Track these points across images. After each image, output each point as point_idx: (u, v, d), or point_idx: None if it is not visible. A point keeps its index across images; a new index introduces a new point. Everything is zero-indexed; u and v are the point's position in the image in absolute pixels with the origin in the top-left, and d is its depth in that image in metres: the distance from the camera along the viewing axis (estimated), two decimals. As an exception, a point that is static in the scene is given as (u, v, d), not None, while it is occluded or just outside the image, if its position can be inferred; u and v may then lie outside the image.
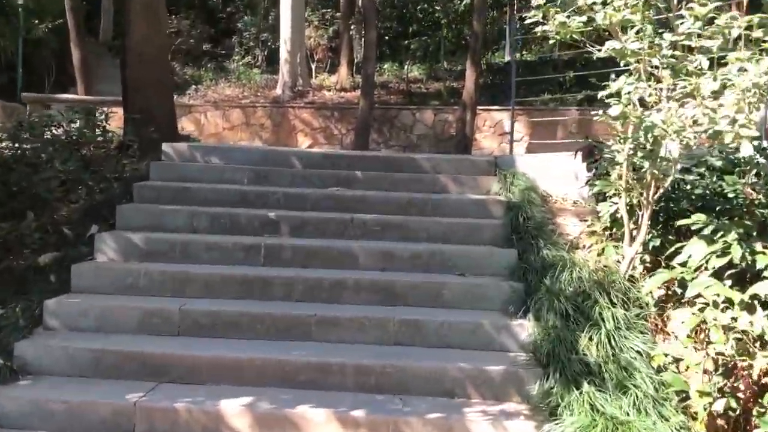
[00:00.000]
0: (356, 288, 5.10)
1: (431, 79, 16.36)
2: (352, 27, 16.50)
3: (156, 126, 7.46)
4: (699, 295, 4.03)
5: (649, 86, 4.09)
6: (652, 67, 4.20)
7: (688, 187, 4.90)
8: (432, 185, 6.50)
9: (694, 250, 4.09)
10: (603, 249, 5.33)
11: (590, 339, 4.37)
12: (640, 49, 3.95)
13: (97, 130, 7.49)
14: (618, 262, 5.09)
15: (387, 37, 17.56)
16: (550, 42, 17.96)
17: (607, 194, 5.23)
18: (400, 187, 6.48)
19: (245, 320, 4.79)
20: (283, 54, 15.19)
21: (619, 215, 5.06)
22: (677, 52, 4.05)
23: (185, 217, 5.84)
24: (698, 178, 4.95)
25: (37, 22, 15.70)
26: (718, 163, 4.76)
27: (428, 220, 5.88)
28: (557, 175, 6.49)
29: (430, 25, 16.73)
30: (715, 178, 4.85)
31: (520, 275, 5.19)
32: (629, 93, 4.09)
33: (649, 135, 4.01)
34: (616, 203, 5.07)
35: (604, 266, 5.02)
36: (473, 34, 12.66)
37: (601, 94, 4.41)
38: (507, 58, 17.85)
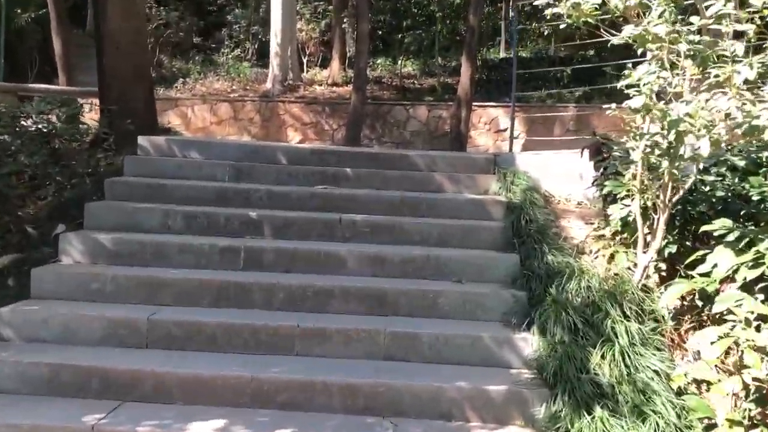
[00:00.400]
0: (344, 296, 4.62)
1: (425, 75, 15.87)
2: (344, 20, 15.99)
3: (134, 118, 6.95)
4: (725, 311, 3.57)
5: (675, 75, 3.62)
6: (673, 55, 3.74)
7: (707, 188, 4.45)
8: (427, 184, 6.02)
9: (721, 259, 3.64)
10: (612, 255, 4.88)
11: (602, 357, 3.91)
12: (665, 33, 3.48)
13: (73, 122, 6.97)
14: (630, 269, 4.63)
15: (380, 32, 17.05)
16: (546, 35, 17.54)
17: (617, 196, 4.77)
18: (393, 185, 6.00)
19: (221, 332, 4.31)
20: (274, 47, 14.66)
21: (631, 219, 4.61)
22: (705, 37, 3.59)
23: (160, 216, 5.34)
24: (718, 179, 4.50)
25: (19, 11, 15.11)
26: (741, 163, 4.31)
27: (423, 221, 5.41)
28: (560, 174, 6.03)
29: (424, 20, 16.20)
30: (737, 179, 4.39)
31: (522, 283, 4.72)
32: (649, 83, 3.62)
33: (673, 131, 3.54)
34: (628, 206, 4.61)
35: (615, 274, 4.56)
36: (469, 29, 12.18)
37: (620, 84, 3.94)
38: (502, 55, 17.41)
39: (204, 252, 4.96)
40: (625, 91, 3.92)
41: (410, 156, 6.29)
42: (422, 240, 5.28)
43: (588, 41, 14.97)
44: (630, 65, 4.05)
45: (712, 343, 3.27)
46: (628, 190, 4.63)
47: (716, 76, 3.32)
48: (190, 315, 4.42)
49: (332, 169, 6.07)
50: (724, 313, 3.47)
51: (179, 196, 5.63)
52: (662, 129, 3.71)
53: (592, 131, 5.84)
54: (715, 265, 3.73)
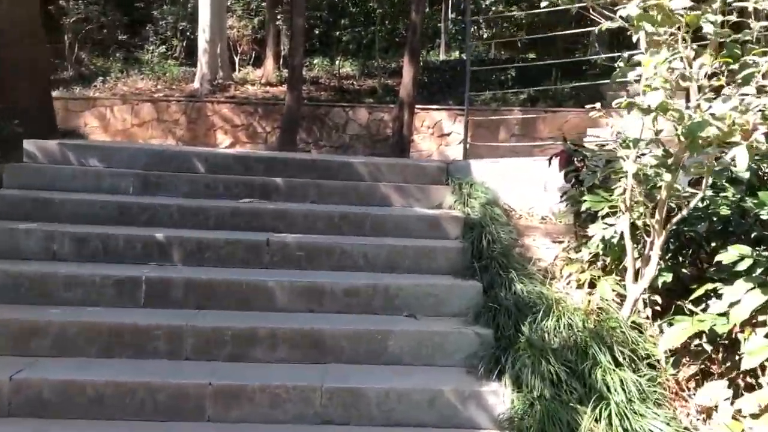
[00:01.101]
0: (271, 341, 3.65)
1: (364, 76, 14.98)
2: (279, 17, 14.94)
3: (24, 119, 5.79)
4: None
5: (691, 65, 2.82)
6: (685, 44, 2.94)
7: (705, 204, 3.69)
8: (371, 196, 5.11)
9: (743, 296, 2.86)
10: (591, 282, 4.08)
11: (596, 420, 3.08)
12: (682, 7, 2.67)
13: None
14: (615, 301, 3.84)
15: (317, 30, 16.06)
16: (485, 37, 16.93)
17: (599, 213, 3.97)
18: (332, 198, 5.07)
19: (110, 392, 3.29)
20: (202, 43, 13.48)
21: (615, 240, 3.81)
22: (732, 17, 2.83)
23: (42, 240, 4.24)
24: (715, 194, 3.75)
25: None
26: (745, 175, 3.58)
27: (368, 241, 4.49)
28: (520, 185, 5.23)
29: (362, 19, 15.29)
30: (739, 195, 3.66)
31: (488, 318, 3.86)
32: (661, 77, 2.79)
33: (689, 137, 2.74)
34: (612, 225, 3.81)
35: (599, 308, 3.76)
36: (411, 26, 11.35)
37: (633, 73, 3.10)
38: (442, 57, 16.70)
39: (95, 285, 3.91)
40: (638, 84, 3.10)
41: (352, 164, 5.37)
42: (367, 264, 4.37)
43: (534, 36, 14.42)
44: (623, 56, 3.24)
45: (752, 416, 2.47)
46: (612, 207, 3.84)
47: (754, 64, 2.55)
48: (71, 370, 3.38)
49: (260, 179, 5.09)
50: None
51: (69, 214, 4.54)
52: (676, 133, 2.91)
53: (562, 136, 5.04)
54: (732, 304, 2.96)
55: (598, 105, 3.50)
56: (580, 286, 4.21)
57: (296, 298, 3.98)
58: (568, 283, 4.33)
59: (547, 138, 11.49)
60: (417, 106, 11.49)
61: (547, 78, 12.74)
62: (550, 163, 4.56)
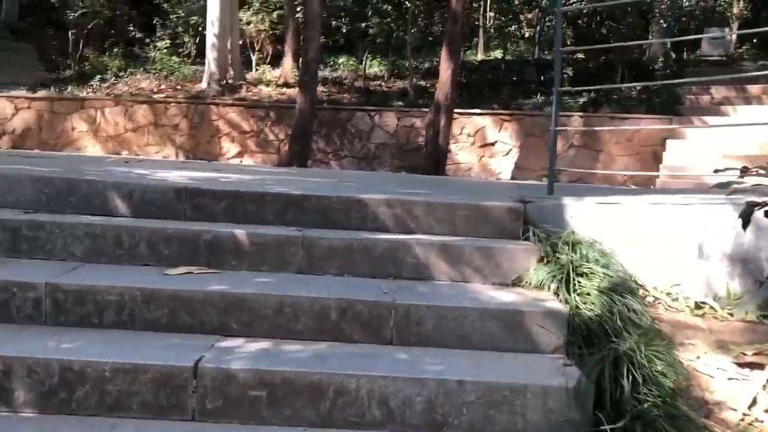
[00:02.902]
0: None
1: (394, 77, 12.74)
2: (298, 10, 12.77)
3: None
4: None
5: None
6: None
7: None
8: (395, 264, 2.85)
9: None
10: None
11: None
12: None
13: None
14: None
15: (343, 27, 13.87)
16: (526, 37, 14.53)
17: None
18: (329, 265, 2.83)
19: None
20: (210, 38, 11.39)
21: None
22: None
23: None
24: None
25: None
26: None
27: (390, 370, 2.25)
28: (652, 244, 2.95)
29: (392, 11, 12.98)
30: None
31: None
32: None
33: None
34: None
35: None
36: (450, 16, 9.08)
37: None
38: (480, 57, 14.40)
39: None
40: None
41: (364, 201, 3.10)
42: (389, 420, 2.14)
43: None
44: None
45: None
46: None
47: None
48: None
49: (211, 232, 2.87)
50: None
51: None
52: None
53: (743, 167, 2.67)
54: None
55: None
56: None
57: None
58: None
59: (618, 152, 9.13)
60: (456, 110, 9.25)
61: (610, 78, 10.36)
62: (746, 222, 2.26)
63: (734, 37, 14.13)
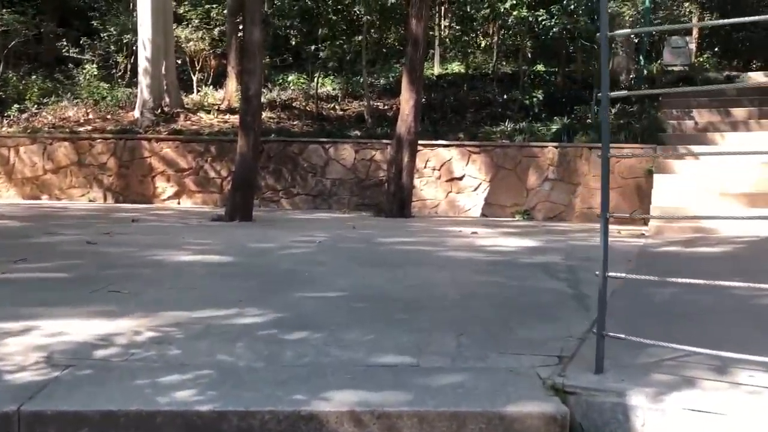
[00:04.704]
0: None
1: (349, 96, 11.46)
2: (241, 28, 11.34)
3: None
4: None
5: None
6: None
7: None
8: None
9: None
10: None
11: None
12: None
13: None
14: None
15: (292, 42, 12.47)
16: (484, 47, 13.40)
17: None
18: None
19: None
20: (142, 62, 9.92)
21: None
22: None
23: None
24: None
25: None
26: None
27: None
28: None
29: (345, 27, 11.64)
30: None
31: None
32: None
33: None
34: None
35: None
36: (411, 39, 7.89)
37: None
38: (437, 70, 13.22)
39: None
40: None
41: (321, 419, 1.89)
42: None
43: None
44: None
45: None
46: None
47: None
48: None
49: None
50: None
51: None
52: None
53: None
54: None
55: None
56: None
57: None
58: None
59: (598, 186, 8.09)
60: (420, 141, 8.08)
61: (583, 101, 9.32)
62: None
63: (694, 46, 13.45)
